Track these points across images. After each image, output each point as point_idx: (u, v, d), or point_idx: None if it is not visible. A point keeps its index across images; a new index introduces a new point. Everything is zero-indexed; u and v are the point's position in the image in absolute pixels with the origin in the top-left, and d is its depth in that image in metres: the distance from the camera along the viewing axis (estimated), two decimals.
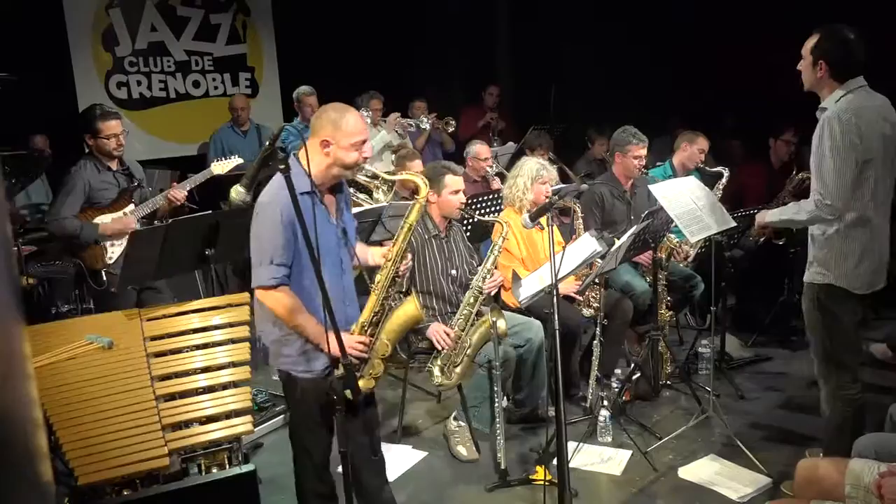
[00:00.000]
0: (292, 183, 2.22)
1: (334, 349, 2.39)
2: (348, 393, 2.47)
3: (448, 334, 3.34)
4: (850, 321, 2.99)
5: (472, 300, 3.44)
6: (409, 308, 2.65)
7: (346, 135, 2.48)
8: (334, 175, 2.56)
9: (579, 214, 4.25)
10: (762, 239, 4.95)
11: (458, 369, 3.45)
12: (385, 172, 3.06)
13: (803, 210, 2.93)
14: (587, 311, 4.09)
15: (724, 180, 4.75)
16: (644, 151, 4.50)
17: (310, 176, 2.50)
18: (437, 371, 3.42)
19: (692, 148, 4.88)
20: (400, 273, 2.67)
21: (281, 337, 2.59)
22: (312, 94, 6.03)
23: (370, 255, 2.82)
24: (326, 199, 2.61)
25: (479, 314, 3.51)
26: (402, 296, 2.88)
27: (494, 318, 3.37)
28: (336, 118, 2.50)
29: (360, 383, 2.59)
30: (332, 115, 2.52)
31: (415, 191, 2.74)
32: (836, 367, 3.03)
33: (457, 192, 3.69)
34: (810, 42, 2.95)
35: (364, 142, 2.54)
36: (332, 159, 2.51)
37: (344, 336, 2.53)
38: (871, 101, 2.89)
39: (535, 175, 4.04)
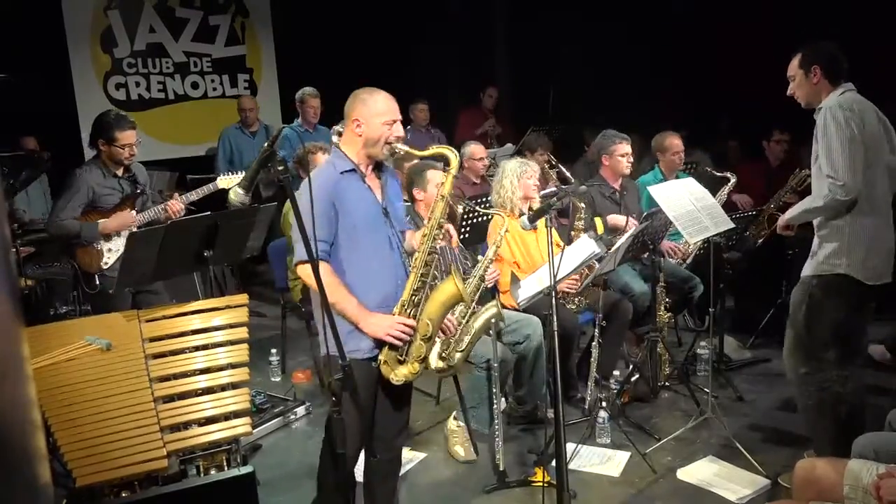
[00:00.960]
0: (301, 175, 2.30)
1: (372, 330, 2.48)
2: (401, 372, 2.51)
3: (450, 321, 3.27)
4: (833, 318, 3.03)
5: (473, 289, 3.37)
6: (449, 286, 2.58)
7: (375, 114, 2.55)
8: (369, 154, 2.60)
9: (582, 214, 4.25)
10: (760, 241, 4.96)
11: (459, 354, 3.44)
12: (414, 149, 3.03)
13: (818, 197, 2.95)
14: (571, 306, 4.08)
15: (729, 186, 4.77)
16: (628, 148, 4.50)
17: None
18: (434, 357, 3.40)
19: (668, 155, 4.87)
20: (438, 248, 2.63)
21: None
22: (317, 97, 5.99)
23: (415, 239, 2.78)
24: (371, 180, 2.64)
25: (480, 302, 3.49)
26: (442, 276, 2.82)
27: (496, 306, 3.36)
28: (366, 98, 2.58)
29: (405, 370, 2.56)
30: (362, 96, 2.59)
31: (446, 163, 2.70)
32: (806, 358, 3.10)
33: (440, 185, 3.70)
34: (795, 61, 3.08)
35: (395, 121, 2.58)
36: (364, 139, 2.57)
37: (387, 318, 2.53)
38: (865, 100, 3.00)
39: (518, 172, 4.05)
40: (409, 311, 2.57)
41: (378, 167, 2.69)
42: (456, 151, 2.68)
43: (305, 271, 2.51)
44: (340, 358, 2.22)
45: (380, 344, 2.56)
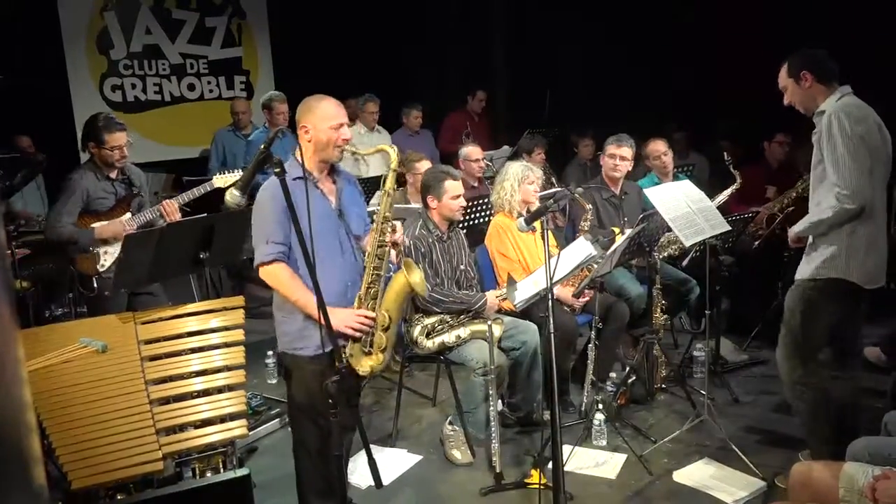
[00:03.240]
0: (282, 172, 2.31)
1: (335, 326, 2.47)
2: (367, 363, 2.57)
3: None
4: (829, 321, 3.03)
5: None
6: (399, 279, 2.70)
7: (322, 119, 2.65)
8: (321, 159, 2.70)
9: (588, 216, 4.25)
10: (757, 242, 4.97)
11: (429, 343, 3.55)
12: (361, 150, 3.19)
13: (827, 208, 2.92)
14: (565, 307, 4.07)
15: (733, 187, 4.80)
16: (619, 151, 4.48)
17: (302, 165, 2.58)
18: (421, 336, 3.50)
19: (651, 160, 4.90)
20: (388, 241, 2.69)
21: (281, 317, 2.69)
22: (284, 102, 5.80)
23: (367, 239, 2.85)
24: (325, 185, 2.73)
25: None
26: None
27: (500, 325, 3.40)
28: (313, 105, 2.69)
29: (370, 360, 2.67)
30: (310, 104, 2.70)
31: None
32: (801, 361, 3.10)
33: (456, 196, 3.71)
34: (783, 71, 3.08)
35: (341, 125, 2.67)
36: (314, 144, 2.66)
37: (346, 311, 2.63)
38: (863, 104, 2.99)
39: (521, 177, 4.06)
40: (367, 303, 2.67)
41: (333, 171, 2.78)
42: (395, 148, 2.79)
43: (266, 272, 2.62)
44: (337, 360, 2.22)
45: (334, 341, 2.56)
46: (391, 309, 2.69)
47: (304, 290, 2.58)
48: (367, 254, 2.71)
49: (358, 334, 2.64)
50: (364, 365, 2.67)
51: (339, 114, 2.70)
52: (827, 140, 2.89)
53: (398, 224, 2.75)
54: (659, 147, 4.91)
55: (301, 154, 2.55)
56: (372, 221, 2.78)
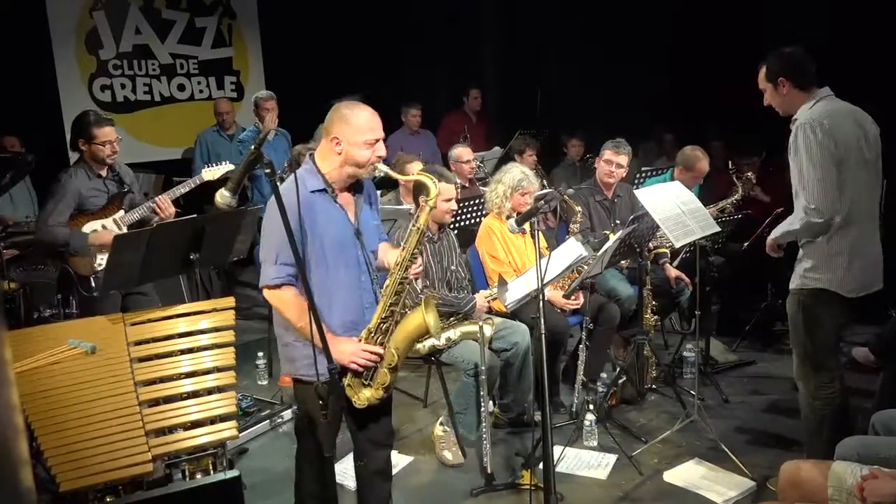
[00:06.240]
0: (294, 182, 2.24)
1: (337, 356, 2.33)
2: (364, 395, 2.44)
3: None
4: (832, 324, 3.02)
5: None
6: (416, 317, 2.49)
7: (357, 131, 2.42)
8: (348, 174, 2.49)
9: (578, 219, 4.26)
10: (746, 244, 4.99)
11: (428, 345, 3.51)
12: (396, 173, 2.81)
13: (796, 219, 2.96)
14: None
15: (732, 198, 4.80)
16: (617, 158, 4.47)
17: (320, 175, 2.46)
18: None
19: (689, 174, 4.68)
20: (409, 278, 2.54)
21: (291, 342, 2.54)
22: (274, 101, 5.68)
23: (388, 257, 2.66)
24: (343, 198, 2.53)
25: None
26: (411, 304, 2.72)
27: (490, 326, 3.40)
28: (347, 114, 2.44)
29: (368, 393, 2.52)
30: (342, 112, 2.46)
31: (420, 192, 2.59)
32: (815, 369, 3.08)
33: (448, 199, 3.70)
34: (761, 74, 3.06)
35: (377, 140, 2.45)
36: (344, 157, 2.43)
37: (353, 344, 2.47)
38: (841, 106, 2.96)
39: (515, 185, 4.04)
40: (376, 338, 2.50)
41: (354, 183, 2.58)
42: (436, 181, 2.56)
43: (273, 296, 2.46)
44: (327, 360, 2.21)
45: (341, 370, 2.51)
46: (400, 347, 2.49)
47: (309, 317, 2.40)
48: (385, 286, 2.52)
49: (361, 370, 2.47)
50: (361, 397, 2.51)
51: (376, 127, 2.45)
52: (794, 153, 2.90)
53: (419, 260, 2.58)
54: (703, 166, 4.67)
55: (315, 163, 2.40)
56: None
